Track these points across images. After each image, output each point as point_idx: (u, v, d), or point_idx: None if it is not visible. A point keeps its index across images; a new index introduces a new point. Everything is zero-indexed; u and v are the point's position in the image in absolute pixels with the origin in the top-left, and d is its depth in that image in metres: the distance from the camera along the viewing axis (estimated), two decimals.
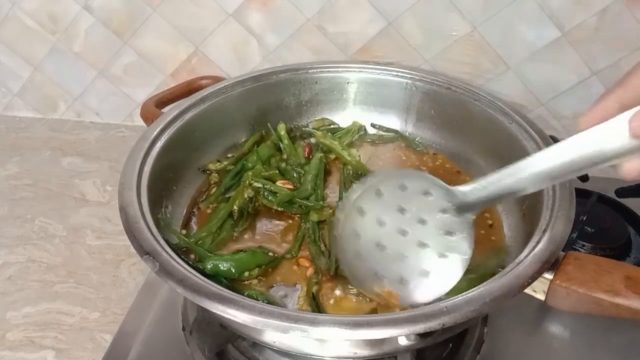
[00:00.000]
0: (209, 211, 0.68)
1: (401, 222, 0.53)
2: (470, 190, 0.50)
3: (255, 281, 0.59)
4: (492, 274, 0.57)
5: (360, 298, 0.57)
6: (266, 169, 0.72)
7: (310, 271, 0.60)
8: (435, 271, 0.53)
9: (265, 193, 0.68)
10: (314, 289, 0.57)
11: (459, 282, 0.56)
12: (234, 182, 0.71)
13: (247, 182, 0.68)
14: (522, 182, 0.46)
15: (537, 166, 0.44)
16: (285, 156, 0.75)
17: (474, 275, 0.58)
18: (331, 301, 0.57)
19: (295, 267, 0.61)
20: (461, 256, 0.52)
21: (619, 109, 0.40)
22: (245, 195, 0.67)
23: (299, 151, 0.76)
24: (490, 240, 0.64)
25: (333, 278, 0.59)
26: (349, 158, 0.75)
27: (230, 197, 0.68)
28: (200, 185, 0.72)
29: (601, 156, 0.40)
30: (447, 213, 0.52)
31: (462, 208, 0.51)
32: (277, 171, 0.72)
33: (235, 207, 0.66)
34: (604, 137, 0.40)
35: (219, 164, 0.73)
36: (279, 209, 0.67)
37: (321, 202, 0.68)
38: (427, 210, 0.52)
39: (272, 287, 0.59)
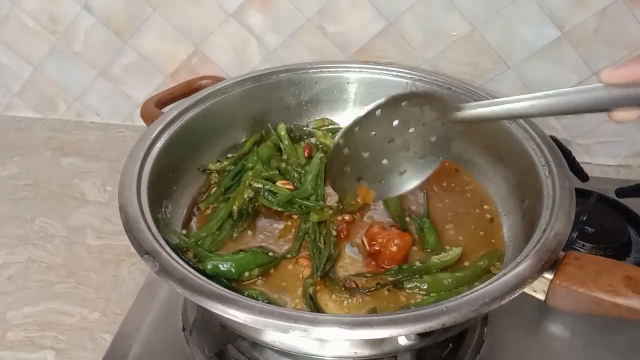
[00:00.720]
0: (208, 211, 0.68)
1: (390, 132, 0.55)
2: (465, 112, 0.52)
3: (256, 281, 0.59)
4: (481, 276, 0.58)
5: (354, 300, 0.57)
6: (266, 169, 0.72)
7: (306, 272, 0.60)
8: (410, 169, 0.59)
9: (265, 193, 0.68)
10: (311, 290, 0.57)
11: (446, 280, 0.57)
12: (234, 182, 0.71)
13: (247, 182, 0.68)
14: (514, 114, 0.49)
15: (535, 106, 0.47)
16: (285, 156, 0.75)
17: (461, 274, 0.58)
18: (327, 303, 0.57)
19: (295, 268, 0.61)
20: (437, 157, 0.58)
21: None
22: (245, 196, 0.67)
23: (299, 151, 0.76)
24: (489, 242, 0.64)
25: (323, 281, 0.59)
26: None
27: (230, 197, 0.67)
28: (201, 186, 0.72)
29: (596, 108, 0.44)
30: (436, 123, 0.55)
31: (452, 121, 0.53)
32: (277, 171, 0.72)
33: (235, 208, 0.66)
34: (613, 97, 0.42)
35: (219, 164, 0.73)
36: (279, 209, 0.67)
37: (321, 202, 0.68)
38: (418, 120, 0.55)
39: (279, 291, 0.59)
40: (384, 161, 0.58)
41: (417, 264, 0.60)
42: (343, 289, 0.57)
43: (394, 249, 0.59)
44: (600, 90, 0.42)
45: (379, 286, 0.58)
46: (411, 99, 0.54)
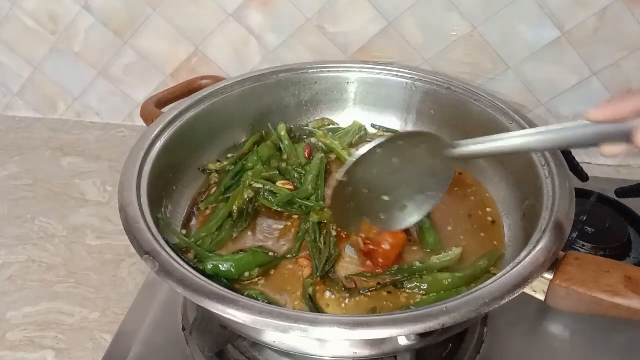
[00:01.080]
0: (208, 211, 0.68)
1: (390, 169, 0.58)
2: (462, 149, 0.54)
3: (256, 281, 0.59)
4: (481, 276, 0.58)
5: (354, 300, 0.57)
6: (266, 169, 0.72)
7: (306, 272, 0.60)
8: (411, 205, 0.60)
9: (265, 193, 0.68)
10: (310, 290, 0.57)
11: (446, 280, 0.57)
12: (234, 182, 0.71)
13: (247, 182, 0.68)
14: (508, 150, 0.52)
15: (527, 143, 0.50)
16: (285, 156, 0.75)
17: (461, 274, 0.58)
18: (327, 303, 0.57)
19: (295, 268, 0.61)
20: (436, 193, 0.60)
21: (634, 114, 0.41)
22: (245, 196, 0.67)
23: (299, 151, 0.76)
24: (491, 243, 0.64)
25: (323, 281, 0.59)
26: (349, 158, 0.75)
27: (230, 197, 0.67)
28: (201, 186, 0.72)
29: (585, 144, 0.46)
30: (434, 161, 0.57)
31: (449, 158, 0.55)
32: (277, 171, 0.72)
33: (234, 208, 0.66)
34: (600, 133, 0.44)
35: (219, 164, 0.73)
36: (279, 209, 0.67)
37: (321, 203, 0.68)
38: (416, 158, 0.57)
39: (279, 291, 0.59)
40: (385, 197, 0.59)
41: (417, 264, 0.60)
42: (343, 289, 0.57)
43: (387, 247, 0.59)
44: (588, 127, 0.45)
45: (379, 286, 0.58)
46: (409, 138, 0.58)
